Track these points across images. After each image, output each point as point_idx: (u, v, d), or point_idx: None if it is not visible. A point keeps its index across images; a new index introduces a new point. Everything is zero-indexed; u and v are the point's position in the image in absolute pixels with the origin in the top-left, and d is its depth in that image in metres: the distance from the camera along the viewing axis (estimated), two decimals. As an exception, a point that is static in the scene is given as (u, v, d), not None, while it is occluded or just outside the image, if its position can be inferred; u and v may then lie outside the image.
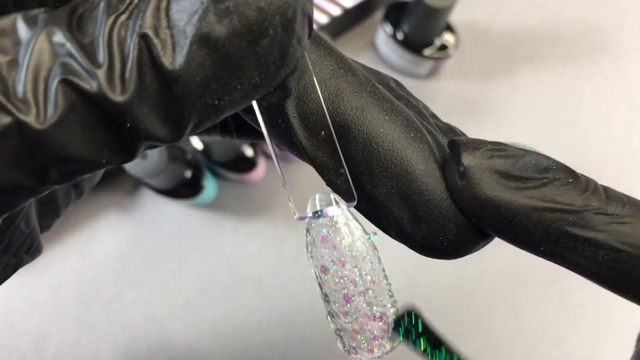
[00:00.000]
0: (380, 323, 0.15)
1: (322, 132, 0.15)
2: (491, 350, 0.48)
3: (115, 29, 0.11)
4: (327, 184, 0.15)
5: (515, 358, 0.48)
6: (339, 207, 0.15)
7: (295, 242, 0.50)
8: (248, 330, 0.46)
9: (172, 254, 0.49)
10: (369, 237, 0.16)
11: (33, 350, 0.44)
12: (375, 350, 0.15)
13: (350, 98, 0.15)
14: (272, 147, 0.15)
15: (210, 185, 0.49)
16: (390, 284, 0.16)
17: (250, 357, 0.45)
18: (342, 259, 0.15)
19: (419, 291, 0.49)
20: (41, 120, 0.11)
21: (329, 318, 0.16)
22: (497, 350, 0.48)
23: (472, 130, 0.59)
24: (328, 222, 0.15)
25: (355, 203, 0.15)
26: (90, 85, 0.11)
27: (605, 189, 0.14)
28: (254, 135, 0.22)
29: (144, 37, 0.11)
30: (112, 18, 0.11)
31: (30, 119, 0.10)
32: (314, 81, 0.15)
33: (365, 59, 0.61)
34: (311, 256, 0.15)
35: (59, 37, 0.11)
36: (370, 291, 0.15)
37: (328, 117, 0.15)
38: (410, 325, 0.15)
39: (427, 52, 0.57)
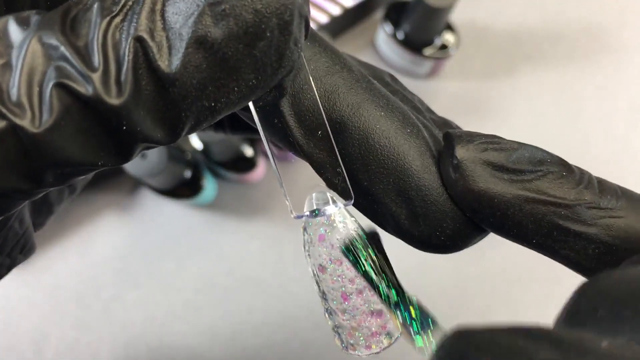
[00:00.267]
0: (378, 320, 0.15)
1: (319, 130, 0.15)
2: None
3: (109, 31, 0.11)
4: (325, 182, 0.15)
5: (515, 358, 0.48)
6: (336, 206, 0.15)
7: (295, 242, 0.50)
8: (248, 330, 0.46)
9: (172, 254, 0.48)
10: (365, 237, 0.16)
11: (32, 350, 0.44)
12: (373, 346, 0.15)
13: (346, 95, 0.15)
14: (268, 145, 0.15)
15: (210, 185, 0.49)
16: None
17: (250, 357, 0.45)
18: (340, 258, 0.15)
19: (419, 291, 0.49)
20: (36, 124, 0.10)
21: (326, 315, 0.16)
22: (498, 350, 0.48)
23: (473, 130, 0.58)
24: (325, 221, 0.15)
25: (352, 202, 0.15)
26: (85, 89, 0.10)
27: (600, 182, 0.14)
28: (249, 131, 0.22)
29: (139, 40, 0.11)
30: (106, 20, 0.11)
31: (25, 122, 0.10)
32: (309, 79, 0.15)
33: (365, 59, 0.61)
34: (309, 255, 0.15)
35: (52, 39, 0.11)
36: (367, 289, 0.15)
37: (324, 115, 0.15)
38: (361, 245, 0.15)
39: (428, 51, 0.57)
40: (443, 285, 0.50)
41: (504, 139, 0.14)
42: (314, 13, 0.56)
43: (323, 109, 0.15)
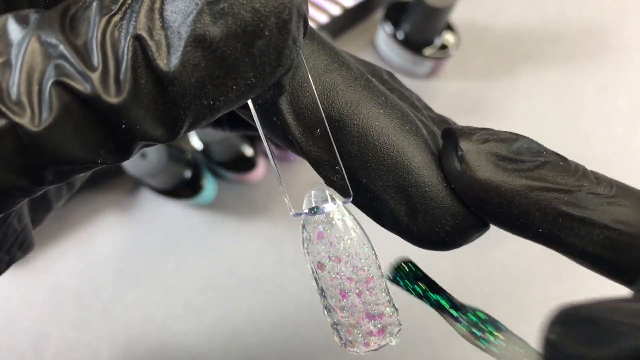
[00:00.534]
0: (376, 320, 0.15)
1: (317, 128, 0.15)
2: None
3: (108, 30, 0.11)
4: (323, 180, 0.15)
5: (515, 358, 0.48)
6: (335, 204, 0.15)
7: (295, 243, 0.50)
8: (248, 330, 0.46)
9: (172, 254, 0.48)
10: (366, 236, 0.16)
11: (32, 350, 0.44)
12: (372, 344, 0.15)
13: (345, 92, 0.15)
14: (267, 143, 0.15)
15: (209, 185, 0.49)
16: (386, 281, 0.16)
17: (250, 357, 0.45)
18: (338, 255, 0.15)
19: (419, 291, 0.49)
20: (36, 123, 0.10)
21: (325, 312, 0.16)
22: (498, 350, 0.48)
23: (473, 130, 0.59)
24: (324, 218, 0.15)
25: (351, 199, 0.15)
26: (84, 87, 0.10)
27: (593, 172, 0.14)
28: (247, 128, 0.22)
29: (138, 39, 0.11)
30: (105, 19, 0.11)
31: (24, 121, 0.10)
32: (308, 77, 0.15)
33: (365, 59, 0.61)
34: (307, 252, 0.15)
35: (51, 38, 0.11)
36: (366, 286, 0.15)
37: (322, 113, 0.15)
38: (407, 272, 0.15)
39: (428, 51, 0.57)
40: (443, 285, 0.50)
41: (501, 131, 0.15)
42: (314, 13, 0.56)
43: (322, 107, 0.15)
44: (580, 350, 0.10)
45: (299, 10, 0.12)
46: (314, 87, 0.15)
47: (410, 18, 0.55)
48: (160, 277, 0.47)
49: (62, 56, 0.11)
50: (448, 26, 0.58)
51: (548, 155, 0.14)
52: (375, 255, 0.15)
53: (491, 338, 0.14)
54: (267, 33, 0.11)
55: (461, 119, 0.63)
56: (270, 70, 0.12)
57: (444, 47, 0.57)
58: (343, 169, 0.15)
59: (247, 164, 0.49)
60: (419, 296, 0.15)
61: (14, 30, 0.11)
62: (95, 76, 0.10)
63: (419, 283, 0.15)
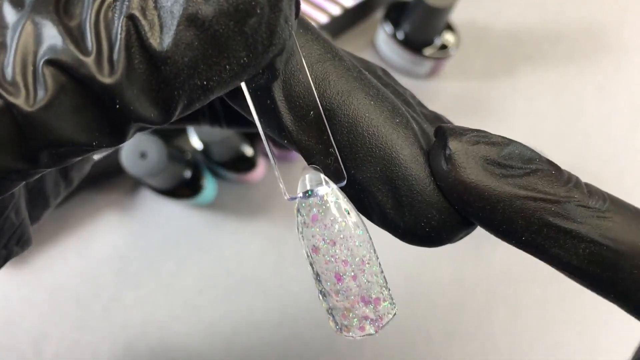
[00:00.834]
0: (371, 304, 0.15)
1: (309, 115, 0.15)
2: (491, 351, 0.48)
3: (102, 10, 0.11)
4: (312, 163, 0.15)
5: (515, 358, 0.48)
6: (329, 186, 0.15)
7: (295, 242, 0.50)
8: (248, 330, 0.46)
9: (172, 254, 0.48)
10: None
11: (32, 350, 0.44)
12: (367, 327, 0.15)
13: (337, 82, 0.15)
14: (262, 130, 0.15)
15: (210, 185, 0.49)
16: (380, 264, 0.16)
17: (250, 357, 0.45)
18: (333, 238, 0.15)
19: (418, 291, 0.49)
20: (30, 103, 0.11)
21: (320, 297, 0.16)
22: (497, 350, 0.48)
23: (473, 130, 0.59)
24: (318, 201, 0.15)
25: (345, 182, 0.15)
26: (78, 68, 0.11)
27: (587, 185, 0.14)
28: (243, 125, 0.22)
29: (131, 18, 0.11)
30: (99, 0, 0.11)
31: (19, 101, 0.11)
32: (302, 64, 0.15)
33: (365, 59, 0.61)
34: (302, 236, 0.15)
35: (46, 20, 0.11)
36: (361, 270, 0.15)
37: (318, 100, 0.15)
38: None
39: (428, 51, 0.57)
40: (443, 285, 0.50)
41: (494, 134, 0.14)
42: (314, 13, 0.56)
43: (306, 95, 0.15)
44: None
45: None
46: (309, 75, 0.15)
47: (410, 18, 0.55)
48: (160, 277, 0.47)
49: (56, 37, 0.11)
50: (448, 26, 0.58)
51: (540, 164, 0.14)
52: (370, 238, 0.15)
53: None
54: (258, 11, 0.11)
55: (461, 119, 0.63)
56: (263, 49, 0.12)
57: (444, 47, 0.57)
58: (337, 151, 0.15)
59: (247, 164, 0.49)
60: None
61: (10, 13, 0.11)
62: (89, 57, 0.11)
63: None
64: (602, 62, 0.66)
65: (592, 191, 0.14)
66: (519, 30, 0.67)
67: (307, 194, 0.15)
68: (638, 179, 0.58)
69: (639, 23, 0.70)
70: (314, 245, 0.15)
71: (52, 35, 0.11)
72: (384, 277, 0.16)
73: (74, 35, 0.11)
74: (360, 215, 0.16)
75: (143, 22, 0.11)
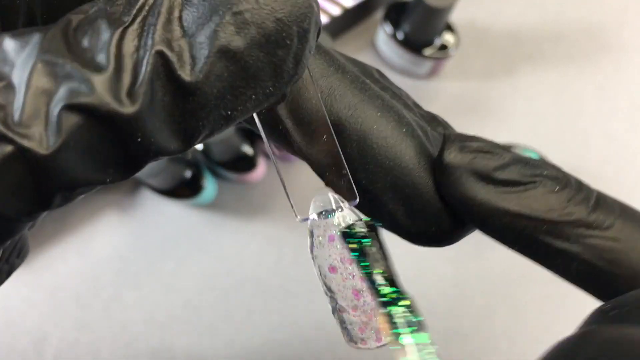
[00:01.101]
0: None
1: (317, 132, 0.15)
2: (491, 351, 0.48)
3: (124, 42, 0.10)
4: (327, 184, 0.15)
5: (515, 358, 0.48)
6: (343, 207, 0.15)
7: (295, 242, 0.50)
8: (248, 330, 0.46)
9: (172, 254, 0.48)
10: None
11: (32, 350, 0.44)
12: (383, 337, 0.15)
13: (343, 96, 0.15)
14: (271, 151, 0.15)
15: (210, 185, 0.49)
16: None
17: (250, 357, 0.45)
18: (350, 257, 0.15)
19: (418, 291, 0.49)
20: (45, 146, 0.10)
21: (335, 314, 0.16)
22: (497, 350, 0.48)
23: (473, 130, 0.58)
24: (335, 222, 0.15)
25: (357, 201, 0.15)
26: (96, 105, 0.10)
27: (599, 198, 0.14)
28: (244, 121, 0.22)
29: (159, 50, 0.10)
30: (119, 31, 0.10)
31: (33, 144, 0.10)
32: (310, 81, 0.15)
33: (365, 59, 0.61)
34: (315, 256, 0.16)
35: (57, 57, 0.10)
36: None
37: (327, 116, 0.15)
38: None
39: (427, 52, 0.57)
40: (443, 285, 0.50)
41: (498, 148, 0.14)
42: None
43: (314, 112, 0.15)
44: None
45: (316, 20, 0.12)
46: (318, 92, 0.15)
47: (410, 18, 0.55)
48: (161, 277, 0.47)
49: (71, 75, 0.10)
50: (448, 26, 0.58)
51: (542, 178, 0.14)
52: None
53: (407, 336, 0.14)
54: (288, 42, 0.11)
55: (461, 119, 0.63)
56: (288, 79, 0.12)
57: (443, 47, 0.57)
58: (349, 171, 0.15)
59: (247, 164, 0.49)
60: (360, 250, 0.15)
61: (14, 51, 0.11)
62: (109, 89, 0.10)
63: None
64: (602, 62, 0.66)
65: (600, 206, 0.13)
66: (519, 30, 0.67)
67: (320, 215, 0.15)
68: (638, 179, 0.58)
69: (639, 23, 0.70)
70: (330, 265, 0.15)
71: (67, 74, 0.10)
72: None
73: (91, 71, 0.10)
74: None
75: (170, 53, 0.10)
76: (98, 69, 0.10)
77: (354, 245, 0.15)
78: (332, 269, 0.15)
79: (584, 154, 0.59)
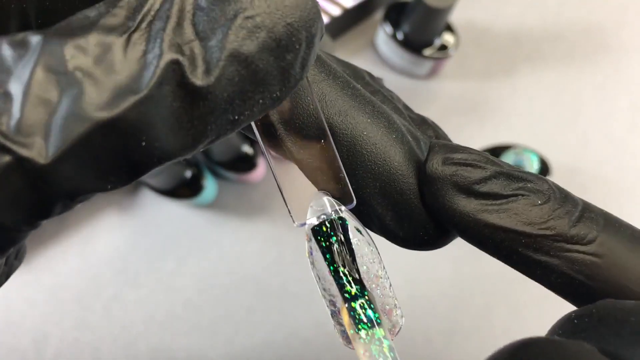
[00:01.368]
0: (386, 315, 0.16)
1: (310, 136, 0.15)
2: (491, 350, 0.48)
3: (129, 47, 0.10)
4: (319, 188, 0.16)
5: (515, 358, 0.48)
6: (340, 210, 0.15)
7: (295, 242, 0.50)
8: (248, 330, 0.46)
9: (172, 254, 0.49)
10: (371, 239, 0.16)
11: (33, 350, 0.44)
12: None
13: (334, 102, 0.15)
14: (269, 157, 0.15)
15: (210, 185, 0.49)
16: (389, 279, 0.16)
17: (250, 357, 0.45)
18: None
19: (418, 291, 0.49)
20: (44, 155, 0.10)
21: (334, 318, 0.16)
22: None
23: (472, 130, 0.59)
24: (334, 225, 0.15)
25: (354, 204, 0.15)
26: (100, 113, 0.10)
27: (585, 208, 0.14)
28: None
29: (168, 54, 0.10)
30: (124, 37, 0.10)
31: (32, 154, 0.10)
32: (307, 85, 0.15)
33: (365, 59, 0.61)
34: (314, 261, 0.16)
35: (58, 64, 0.10)
36: (376, 284, 0.15)
37: (324, 121, 0.15)
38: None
39: (427, 52, 0.57)
40: (442, 285, 0.50)
41: (484, 161, 0.14)
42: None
43: (310, 117, 0.15)
44: None
45: (321, 26, 0.12)
46: (316, 98, 0.15)
47: (410, 18, 0.55)
48: (161, 277, 0.48)
49: (75, 81, 0.10)
50: (448, 26, 0.58)
51: (524, 191, 0.14)
52: (379, 252, 0.16)
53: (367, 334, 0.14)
54: (297, 47, 0.11)
55: (461, 119, 0.63)
56: (294, 83, 0.12)
57: (443, 47, 0.57)
58: (345, 174, 0.15)
59: (247, 164, 0.49)
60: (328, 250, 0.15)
61: (11, 58, 0.10)
62: (116, 96, 0.10)
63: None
64: (601, 62, 0.66)
65: (583, 219, 0.13)
66: (518, 30, 0.67)
67: (318, 220, 0.15)
68: (638, 179, 0.58)
69: (638, 23, 0.70)
70: (329, 269, 0.15)
71: (69, 81, 0.10)
72: (392, 287, 0.16)
73: (94, 78, 0.10)
74: (368, 230, 0.16)
75: (182, 58, 0.10)
76: (104, 77, 0.10)
77: (322, 243, 0.15)
78: (329, 272, 0.15)
79: (583, 154, 0.59)
